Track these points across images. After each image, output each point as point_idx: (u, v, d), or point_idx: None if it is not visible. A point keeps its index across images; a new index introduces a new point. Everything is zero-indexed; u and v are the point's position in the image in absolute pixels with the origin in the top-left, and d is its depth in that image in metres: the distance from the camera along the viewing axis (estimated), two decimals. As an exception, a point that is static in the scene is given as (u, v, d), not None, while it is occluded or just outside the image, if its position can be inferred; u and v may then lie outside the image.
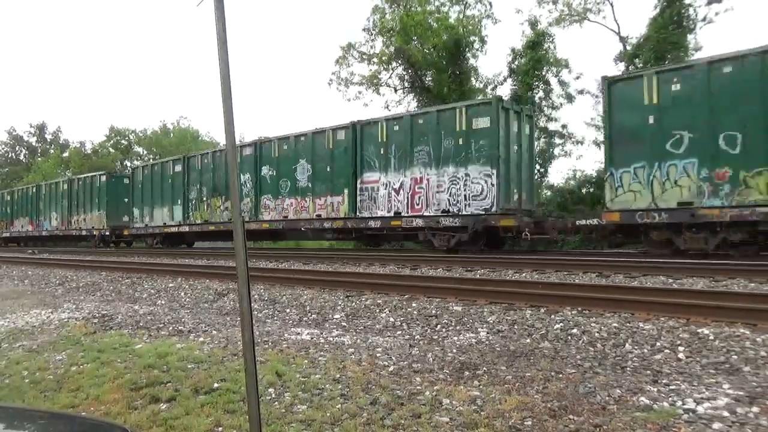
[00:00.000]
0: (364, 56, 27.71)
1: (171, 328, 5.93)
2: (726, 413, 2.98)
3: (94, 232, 24.77)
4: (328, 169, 15.59)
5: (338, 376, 3.88)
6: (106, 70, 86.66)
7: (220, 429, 3.09)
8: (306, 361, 4.29)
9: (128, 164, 42.62)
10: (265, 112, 77.96)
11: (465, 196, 12.95)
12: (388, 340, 5.06)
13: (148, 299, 8.98)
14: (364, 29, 27.64)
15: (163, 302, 8.56)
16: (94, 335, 5.63)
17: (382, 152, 14.49)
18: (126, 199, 23.88)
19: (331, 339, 5.13)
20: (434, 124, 13.51)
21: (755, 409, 3.03)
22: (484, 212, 12.59)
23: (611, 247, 13.85)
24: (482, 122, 12.70)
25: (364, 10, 38.63)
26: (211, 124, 75.30)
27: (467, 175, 12.93)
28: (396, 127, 14.28)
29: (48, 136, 57.34)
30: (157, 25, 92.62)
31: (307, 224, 16.17)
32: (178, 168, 20.86)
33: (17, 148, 57.64)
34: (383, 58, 26.69)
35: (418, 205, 13.76)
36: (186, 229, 20.40)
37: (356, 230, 15.25)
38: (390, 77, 27.11)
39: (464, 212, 12.91)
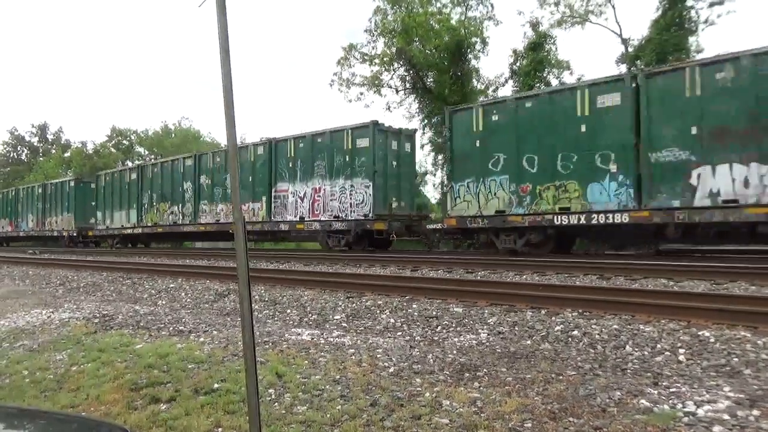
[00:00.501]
0: (365, 57, 27.74)
1: (171, 328, 5.93)
2: (726, 416, 2.97)
3: (64, 233, 26.74)
4: (251, 179, 17.87)
5: (338, 377, 3.88)
6: (108, 70, 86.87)
7: (220, 429, 3.09)
8: (306, 361, 4.29)
9: (129, 164, 42.69)
10: (266, 112, 78.07)
11: (350, 204, 15.35)
12: (389, 341, 5.06)
13: (148, 299, 8.99)
14: (365, 30, 27.65)
15: (163, 302, 8.57)
16: (95, 335, 5.63)
17: (291, 166, 17.00)
18: (93, 203, 25.94)
19: (332, 340, 5.13)
20: (329, 142, 15.93)
21: (756, 412, 3.03)
22: (363, 217, 14.96)
23: (455, 246, 16.09)
24: (363, 142, 15.13)
25: (366, 11, 38.67)
26: (212, 124, 75.40)
27: (352, 186, 15.34)
28: (301, 145, 16.67)
29: (50, 136, 57.47)
30: (159, 25, 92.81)
31: (233, 226, 18.01)
32: (134, 176, 23.32)
33: (19, 148, 57.75)
34: (385, 59, 26.71)
35: (317, 211, 16.14)
36: (139, 230, 22.85)
37: (271, 232, 17.88)
38: (391, 78, 27.15)
39: (349, 217, 15.30)
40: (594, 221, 11.10)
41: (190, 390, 3.71)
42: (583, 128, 11.33)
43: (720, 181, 9.81)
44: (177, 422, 3.18)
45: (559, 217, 11.56)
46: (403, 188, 15.92)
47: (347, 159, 15.43)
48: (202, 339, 5.30)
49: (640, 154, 10.66)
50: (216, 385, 3.76)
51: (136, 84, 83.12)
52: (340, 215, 15.51)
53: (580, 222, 11.34)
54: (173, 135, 47.95)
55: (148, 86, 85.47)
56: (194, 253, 18.33)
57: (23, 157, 57.20)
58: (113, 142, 49.37)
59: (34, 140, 57.56)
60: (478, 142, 12.95)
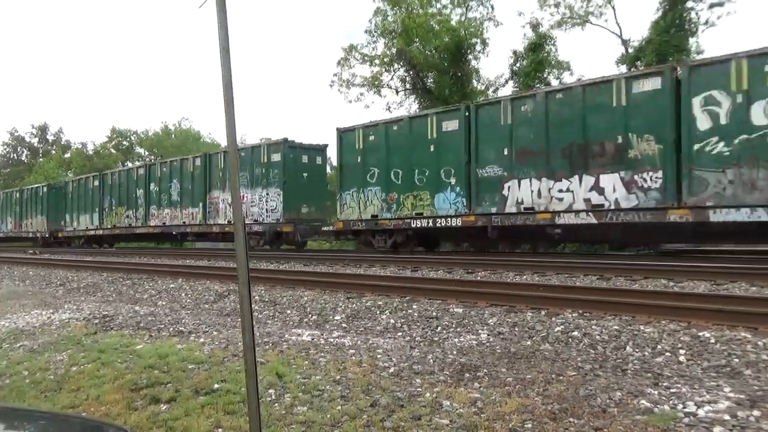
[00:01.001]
0: (365, 58, 27.77)
1: (171, 328, 5.93)
2: (727, 417, 2.97)
3: (38, 234, 29.17)
4: (190, 188, 20.70)
5: (338, 377, 3.88)
6: (108, 71, 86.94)
7: (220, 430, 3.09)
8: (306, 362, 4.29)
9: (129, 164, 42.73)
10: (266, 113, 78.12)
11: (266, 209, 17.90)
12: (389, 342, 5.06)
13: (148, 300, 8.99)
14: (366, 31, 27.68)
15: (163, 303, 8.56)
16: (95, 336, 5.63)
17: (220, 176, 19.60)
18: (63, 207, 28.47)
19: (332, 340, 5.13)
20: (250, 156, 18.38)
21: (756, 412, 3.02)
22: (275, 221, 17.55)
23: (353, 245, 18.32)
24: (276, 157, 17.74)
25: (367, 12, 38.73)
26: (212, 125, 75.45)
27: (267, 194, 17.89)
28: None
29: (50, 137, 57.48)
30: (160, 26, 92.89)
31: (176, 228, 21.45)
32: (96, 183, 25.89)
33: (19, 149, 57.76)
34: (385, 60, 26.74)
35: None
36: (101, 232, 25.50)
37: (206, 233, 20.54)
38: (392, 79, 27.18)
39: (265, 221, 17.83)
40: (439, 224, 13.54)
41: (190, 390, 3.70)
42: (432, 148, 13.75)
43: (523, 193, 12.21)
44: (177, 423, 3.18)
45: (415, 220, 13.98)
46: (313, 196, 18.27)
47: (264, 171, 18.00)
48: (202, 339, 5.30)
49: (471, 170, 13.04)
50: (216, 386, 3.76)
51: (137, 85, 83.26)
52: (259, 219, 17.96)
53: (429, 225, 13.80)
54: (173, 136, 47.93)
55: (148, 87, 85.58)
56: (194, 254, 18.38)
57: (23, 158, 57.22)
58: (113, 142, 49.37)
59: (34, 141, 57.60)
60: (359, 158, 15.31)
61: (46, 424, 1.73)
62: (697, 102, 9.98)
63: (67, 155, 51.43)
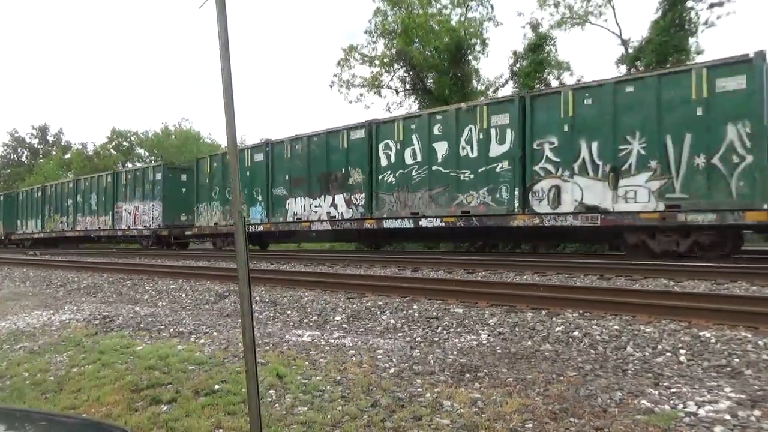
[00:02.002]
0: (365, 58, 27.78)
1: (172, 329, 5.93)
2: (727, 416, 2.97)
3: None
4: (104, 198, 25.75)
5: (339, 378, 3.88)
6: (108, 72, 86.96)
7: (220, 431, 3.09)
8: (307, 362, 4.29)
9: (129, 165, 42.76)
10: (266, 114, 78.13)
11: (152, 217, 23.10)
12: (389, 342, 5.06)
13: (149, 301, 8.99)
14: (365, 31, 27.69)
15: (164, 304, 8.56)
16: (95, 337, 5.63)
17: (124, 191, 24.74)
18: (16, 213, 32.99)
19: (332, 341, 5.13)
20: (141, 176, 23.95)
21: (757, 412, 3.02)
22: (157, 227, 22.75)
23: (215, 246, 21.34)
24: (158, 177, 22.98)
25: (366, 13, 38.73)
26: (213, 126, 75.42)
27: (153, 205, 23.06)
28: (130, 176, 24.84)
29: (50, 138, 57.53)
30: (160, 26, 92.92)
31: (94, 232, 26.53)
32: (40, 194, 30.55)
33: (19, 150, 57.80)
34: (385, 60, 26.76)
35: (137, 222, 23.88)
36: (42, 235, 30.22)
37: (114, 236, 26.10)
38: (391, 79, 27.19)
39: (151, 227, 23.03)
40: (253, 229, 18.02)
41: (191, 391, 3.70)
42: (248, 173, 18.35)
43: (297, 207, 17.03)
44: (178, 423, 3.18)
45: None
46: (188, 206, 22.06)
47: (151, 187, 23.25)
48: (202, 340, 5.30)
49: (269, 190, 17.76)
50: (217, 387, 3.76)
51: (137, 85, 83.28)
52: (147, 225, 23.24)
53: (248, 230, 16.03)
54: (173, 136, 47.92)
55: (148, 88, 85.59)
56: (195, 254, 18.44)
57: (23, 158, 57.26)
58: (113, 143, 49.37)
59: (35, 142, 57.66)
60: (207, 179, 19.96)
61: (47, 425, 1.73)
62: (380, 147, 14.93)
63: (68, 156, 51.43)
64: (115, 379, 4.05)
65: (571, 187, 11.62)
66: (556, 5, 24.99)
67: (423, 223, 13.70)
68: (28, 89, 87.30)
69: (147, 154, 47.84)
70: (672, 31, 19.46)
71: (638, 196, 10.76)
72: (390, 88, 27.40)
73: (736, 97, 9.66)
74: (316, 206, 16.59)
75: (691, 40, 20.31)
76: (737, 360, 4.08)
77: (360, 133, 15.54)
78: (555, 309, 5.84)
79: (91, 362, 4.57)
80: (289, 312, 7.13)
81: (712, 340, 4.50)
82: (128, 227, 24.23)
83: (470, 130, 13.08)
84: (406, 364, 4.20)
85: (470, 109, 13.18)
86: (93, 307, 7.75)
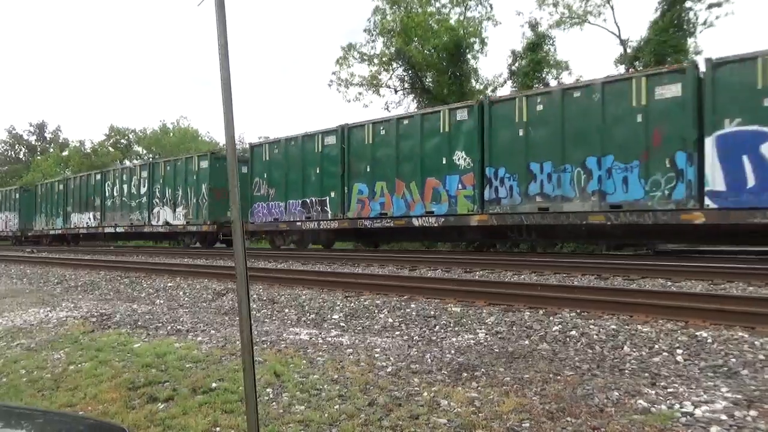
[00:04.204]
0: (364, 57, 27.75)
1: (169, 327, 5.93)
2: (724, 417, 2.98)
3: None
4: (58, 207, 28.67)
5: (336, 376, 3.88)
6: (106, 69, 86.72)
7: (217, 429, 3.09)
8: (304, 361, 4.29)
9: (127, 162, 42.67)
10: (266, 113, 78.02)
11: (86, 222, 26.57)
12: (387, 341, 5.06)
13: (146, 298, 8.98)
14: (364, 30, 27.68)
15: (161, 301, 8.55)
16: (93, 334, 5.63)
17: (72, 199, 27.85)
18: None
19: (330, 339, 5.13)
20: (78, 184, 27.37)
21: (753, 412, 3.03)
22: (88, 226, 26.27)
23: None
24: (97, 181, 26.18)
25: (365, 11, 38.67)
26: (211, 124, 75.31)
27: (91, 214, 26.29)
28: (71, 185, 28.19)
29: (48, 135, 57.33)
30: (158, 24, 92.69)
31: (52, 230, 28.96)
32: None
33: (17, 147, 57.61)
34: (383, 59, 26.72)
35: (79, 224, 27.12)
36: (19, 233, 32.62)
37: (66, 236, 28.62)
38: (390, 78, 27.16)
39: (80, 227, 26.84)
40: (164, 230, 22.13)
41: (188, 389, 3.70)
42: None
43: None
44: (174, 421, 3.18)
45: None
46: (125, 209, 24.99)
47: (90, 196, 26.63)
48: (200, 338, 5.30)
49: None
50: (214, 385, 3.76)
51: (135, 83, 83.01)
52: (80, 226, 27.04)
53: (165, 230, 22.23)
54: (171, 134, 47.82)
55: (146, 85, 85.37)
56: (193, 253, 18.35)
57: (21, 155, 57.09)
58: (111, 141, 49.23)
59: (32, 139, 57.45)
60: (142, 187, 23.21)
61: (44, 423, 1.73)
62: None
63: (65, 153, 51.30)
64: (112, 377, 4.05)
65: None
66: (555, 5, 24.97)
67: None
68: (26, 86, 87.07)
69: (145, 151, 47.74)
70: (670, 32, 19.47)
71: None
72: (389, 87, 27.40)
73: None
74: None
75: (690, 41, 20.34)
76: (734, 360, 4.09)
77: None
78: (552, 308, 5.85)
79: (88, 360, 4.56)
80: (286, 310, 7.12)
81: (709, 340, 4.51)
82: (74, 226, 25.91)
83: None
84: (404, 363, 4.20)
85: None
86: (90, 305, 7.74)
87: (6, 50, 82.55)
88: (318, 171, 16.07)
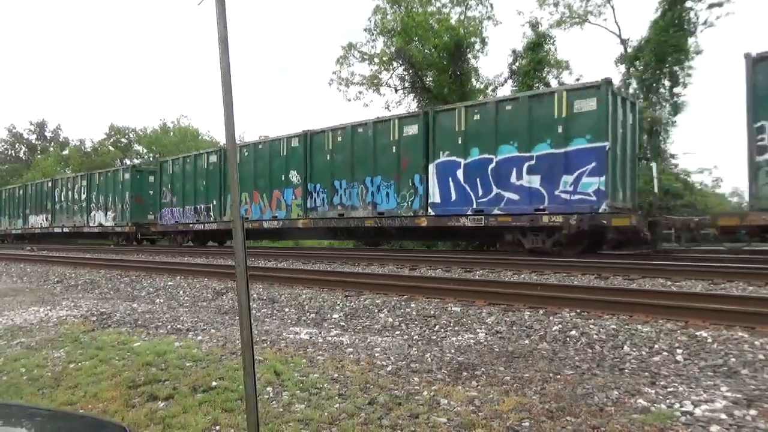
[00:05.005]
0: (364, 56, 27.73)
1: (169, 326, 5.93)
2: (723, 416, 2.98)
3: None
4: (19, 209, 31.69)
5: (336, 375, 3.88)
6: (106, 68, 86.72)
7: (217, 428, 3.09)
8: (304, 360, 4.29)
9: (128, 162, 42.69)
10: (266, 111, 77.98)
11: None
12: (387, 340, 5.06)
13: (146, 297, 8.98)
14: (365, 29, 27.64)
15: (161, 300, 8.56)
16: (93, 333, 5.63)
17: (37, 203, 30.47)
18: None
19: (330, 338, 5.13)
20: (35, 190, 30.55)
21: (753, 412, 3.03)
22: (42, 227, 29.52)
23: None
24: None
25: (366, 11, 38.66)
26: (211, 122, 75.28)
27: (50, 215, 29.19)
28: (29, 190, 31.16)
29: (48, 134, 57.35)
30: (158, 23, 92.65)
31: (13, 230, 31.94)
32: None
33: (17, 146, 57.62)
34: (384, 59, 26.70)
35: (29, 225, 30.58)
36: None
37: (25, 235, 30.98)
38: (390, 77, 27.15)
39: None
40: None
41: (188, 388, 3.70)
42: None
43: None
44: (175, 420, 3.18)
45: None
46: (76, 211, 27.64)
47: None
48: (200, 337, 5.30)
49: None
50: (214, 383, 3.76)
51: (135, 82, 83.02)
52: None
53: (99, 230, 25.99)
54: (172, 133, 47.79)
55: (146, 84, 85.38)
56: (192, 252, 18.40)
57: (21, 154, 57.09)
58: (111, 140, 49.21)
59: (32, 138, 57.45)
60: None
61: (44, 421, 1.73)
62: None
63: (65, 152, 51.29)
64: (112, 376, 4.05)
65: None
66: (556, 4, 24.98)
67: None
68: (27, 85, 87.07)
69: (145, 150, 47.73)
70: (671, 31, 19.46)
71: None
72: (389, 86, 27.38)
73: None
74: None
75: (690, 40, 20.32)
76: (734, 360, 4.09)
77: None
78: (552, 308, 5.85)
79: (88, 358, 4.57)
80: (286, 309, 7.13)
81: (709, 340, 4.51)
82: (42, 227, 29.31)
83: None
84: (404, 362, 4.21)
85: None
86: (90, 304, 7.74)
87: (6, 50, 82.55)
88: (204, 183, 20.07)
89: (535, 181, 11.97)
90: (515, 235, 12.63)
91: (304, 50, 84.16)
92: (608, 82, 11.13)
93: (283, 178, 17.22)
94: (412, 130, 14.05)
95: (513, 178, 12.28)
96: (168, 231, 22.34)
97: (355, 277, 9.03)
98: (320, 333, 5.43)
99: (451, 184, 13.30)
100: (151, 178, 23.71)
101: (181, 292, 9.05)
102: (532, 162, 11.99)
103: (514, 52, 23.83)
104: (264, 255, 15.50)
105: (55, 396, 3.77)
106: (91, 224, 26.20)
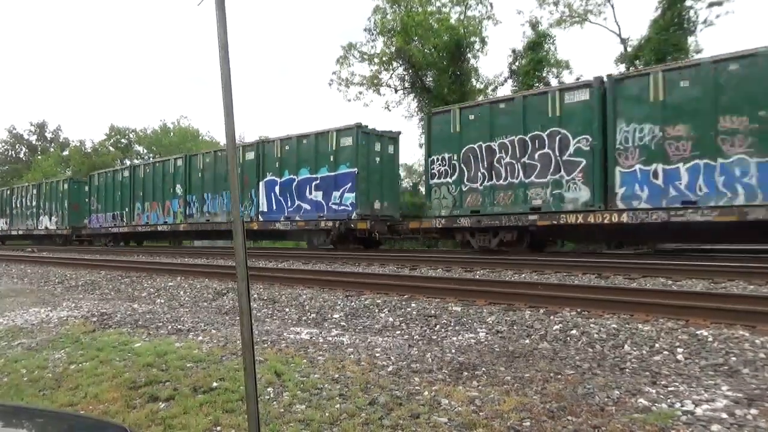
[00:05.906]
0: (364, 56, 27.72)
1: (170, 326, 5.93)
2: (724, 415, 2.98)
3: None
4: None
5: (337, 375, 3.88)
6: (106, 68, 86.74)
7: (218, 428, 3.09)
8: (305, 360, 4.29)
9: (128, 162, 42.71)
10: (266, 111, 78.02)
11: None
12: (387, 340, 5.06)
13: (147, 298, 8.98)
14: (365, 29, 27.65)
15: (162, 301, 8.56)
16: (93, 334, 5.63)
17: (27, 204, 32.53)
18: None
19: (330, 339, 5.13)
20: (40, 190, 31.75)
21: (754, 411, 3.03)
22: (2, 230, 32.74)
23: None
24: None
25: (366, 11, 38.66)
26: (211, 123, 75.26)
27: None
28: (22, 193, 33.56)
29: (48, 135, 57.35)
30: (158, 23, 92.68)
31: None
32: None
33: (17, 147, 57.63)
34: (384, 59, 26.68)
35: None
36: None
37: (10, 235, 33.63)
38: (390, 77, 27.15)
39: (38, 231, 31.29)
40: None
41: (189, 389, 3.70)
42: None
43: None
44: (175, 421, 3.18)
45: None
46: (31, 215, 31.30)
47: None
48: (200, 338, 5.30)
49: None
50: (214, 384, 3.76)
51: (135, 82, 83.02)
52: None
53: (45, 233, 29.93)
54: (172, 134, 47.78)
55: (146, 85, 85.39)
56: (193, 252, 18.43)
57: (21, 155, 57.11)
58: (112, 140, 49.20)
59: (33, 138, 57.47)
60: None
61: (45, 422, 1.73)
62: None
63: (66, 153, 51.30)
64: (113, 377, 4.05)
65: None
66: (556, 3, 24.95)
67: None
68: (27, 86, 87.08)
69: (145, 151, 47.73)
70: (671, 30, 19.46)
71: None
72: (389, 86, 27.38)
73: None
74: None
75: (690, 39, 20.32)
76: (734, 359, 4.09)
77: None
78: (553, 308, 5.85)
79: (89, 359, 4.57)
80: (287, 309, 7.13)
81: (710, 339, 4.51)
82: (28, 230, 31.42)
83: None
84: (404, 363, 4.21)
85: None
86: (91, 304, 7.74)
87: (6, 50, 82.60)
88: (120, 194, 25.04)
89: (319, 196, 16.63)
90: (310, 235, 17.42)
91: (304, 50, 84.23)
92: (359, 125, 15.72)
93: (171, 191, 22.15)
94: (250, 156, 18.71)
95: (307, 193, 16.96)
96: (95, 234, 26.89)
97: (355, 277, 9.03)
98: (321, 333, 5.43)
99: (272, 197, 18.00)
100: (86, 188, 27.75)
101: (181, 292, 9.05)
102: (318, 181, 16.68)
103: (514, 51, 23.87)
104: (264, 255, 15.51)
105: (56, 397, 3.77)
106: (39, 227, 30.34)
